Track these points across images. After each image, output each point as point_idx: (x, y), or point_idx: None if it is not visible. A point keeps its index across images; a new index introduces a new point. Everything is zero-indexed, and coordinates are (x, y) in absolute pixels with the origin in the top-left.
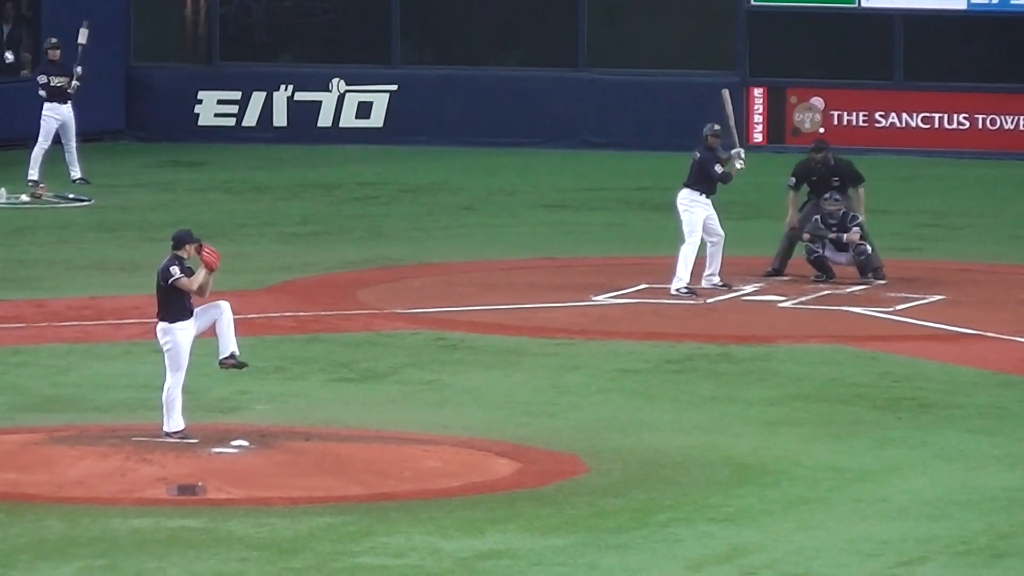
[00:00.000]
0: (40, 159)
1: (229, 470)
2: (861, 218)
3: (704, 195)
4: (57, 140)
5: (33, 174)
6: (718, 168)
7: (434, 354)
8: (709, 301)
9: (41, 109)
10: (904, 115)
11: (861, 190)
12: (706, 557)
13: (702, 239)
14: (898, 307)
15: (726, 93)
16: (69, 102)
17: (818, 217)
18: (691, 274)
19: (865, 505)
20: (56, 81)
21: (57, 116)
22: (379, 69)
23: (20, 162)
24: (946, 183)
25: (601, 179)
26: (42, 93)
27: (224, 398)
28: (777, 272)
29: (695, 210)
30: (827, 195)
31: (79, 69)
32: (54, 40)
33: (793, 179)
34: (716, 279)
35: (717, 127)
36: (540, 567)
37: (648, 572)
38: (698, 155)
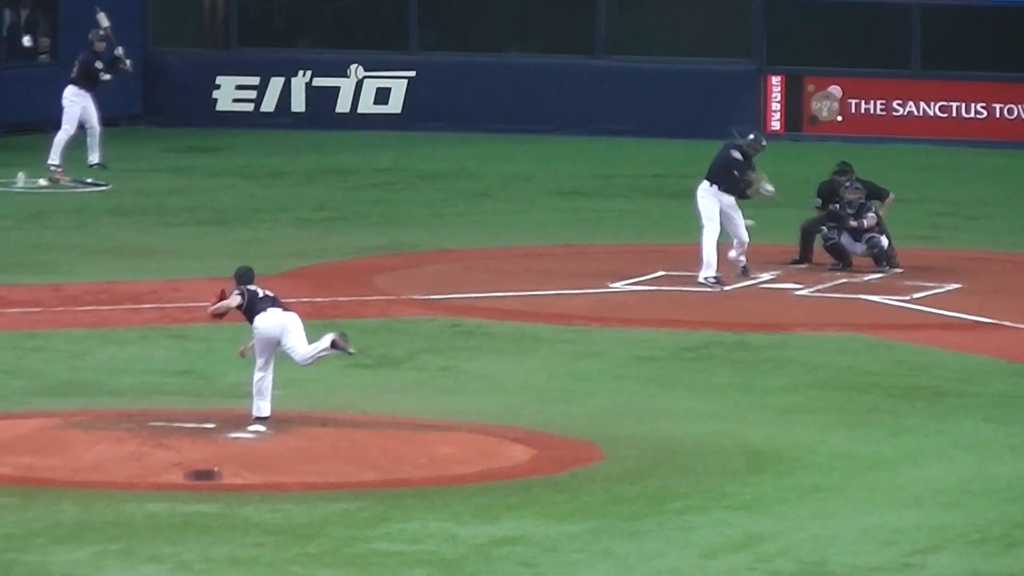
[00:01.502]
0: (63, 144)
1: (245, 455)
2: (878, 211)
3: (718, 188)
4: (80, 125)
5: (54, 158)
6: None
7: (450, 340)
8: (727, 288)
9: (61, 94)
10: (921, 103)
11: (890, 198)
12: (721, 545)
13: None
14: (914, 295)
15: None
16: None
17: (837, 205)
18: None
19: (880, 493)
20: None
21: (81, 101)
22: (397, 55)
23: (38, 146)
24: (962, 172)
25: (617, 166)
26: (106, 77)
27: (240, 383)
28: (805, 259)
29: (707, 199)
30: (848, 183)
31: (120, 49)
32: (102, 32)
33: (819, 200)
34: (742, 260)
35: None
36: (555, 553)
37: (663, 559)
38: (732, 155)
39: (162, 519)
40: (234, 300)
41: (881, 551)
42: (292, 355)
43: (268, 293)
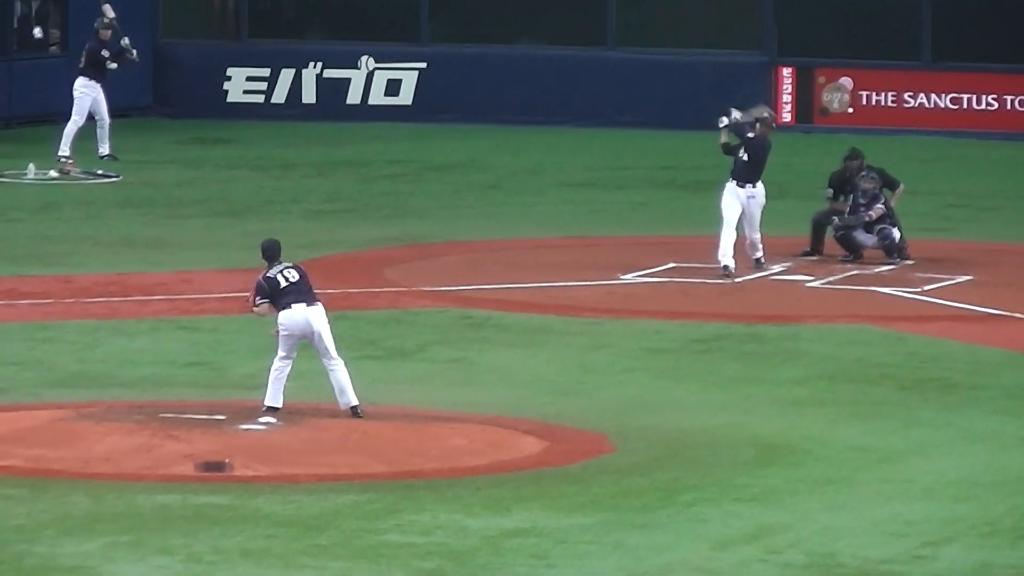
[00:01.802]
0: (73, 135)
1: (255, 447)
2: (889, 201)
3: (735, 182)
4: (89, 117)
5: (64, 150)
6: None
7: (461, 332)
8: (737, 280)
9: (72, 85)
10: (932, 95)
11: (900, 189)
12: (732, 537)
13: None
14: (925, 288)
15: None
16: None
17: (851, 197)
18: (731, 255)
19: (890, 486)
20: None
21: (92, 93)
22: (408, 47)
23: (48, 138)
24: (974, 164)
25: (628, 158)
26: (112, 65)
27: (250, 375)
28: (816, 251)
29: (724, 195)
30: (864, 172)
31: (127, 40)
32: (106, 20)
33: (831, 190)
34: (759, 253)
35: (757, 113)
36: (565, 545)
37: (673, 551)
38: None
39: (173, 511)
40: (263, 310)
41: (892, 543)
42: (327, 364)
43: (292, 281)
